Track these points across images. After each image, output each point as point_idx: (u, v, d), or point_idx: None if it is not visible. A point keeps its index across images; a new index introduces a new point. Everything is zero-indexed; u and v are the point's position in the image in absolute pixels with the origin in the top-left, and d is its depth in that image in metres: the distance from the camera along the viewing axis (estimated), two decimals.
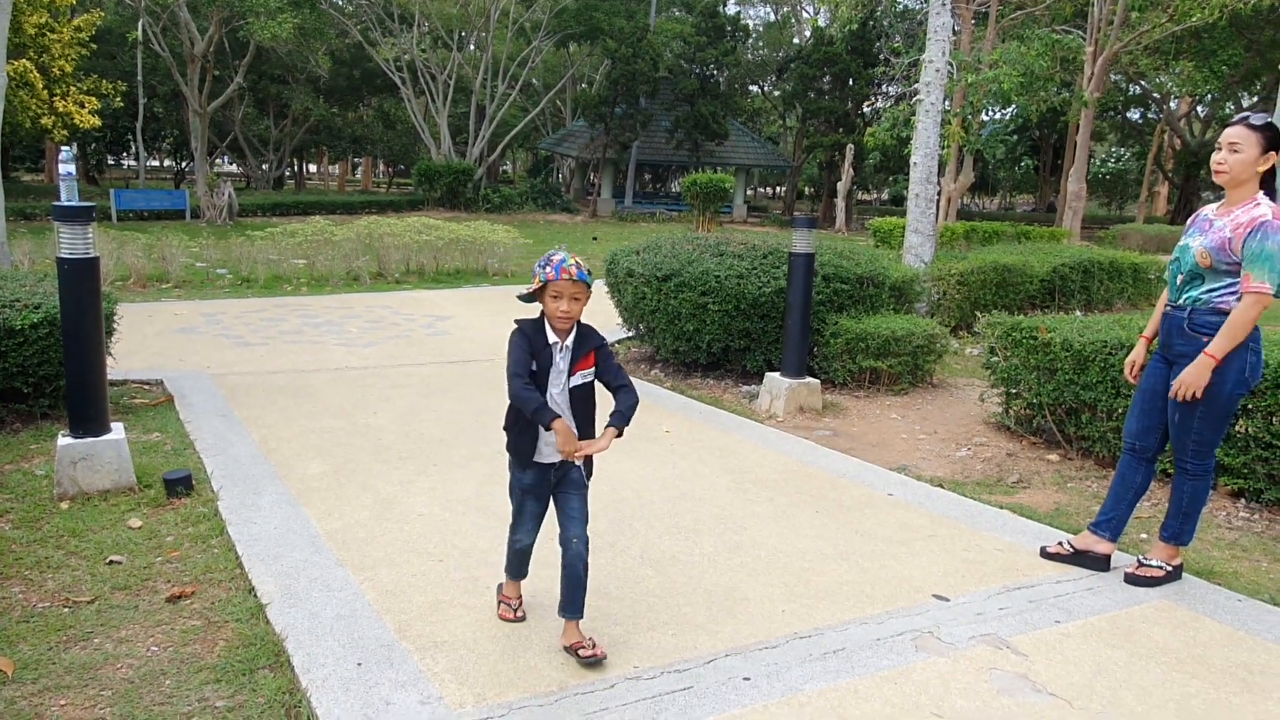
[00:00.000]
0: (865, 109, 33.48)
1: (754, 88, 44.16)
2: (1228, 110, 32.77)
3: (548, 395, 3.12)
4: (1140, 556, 4.16)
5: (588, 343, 3.18)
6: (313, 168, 52.65)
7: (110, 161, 43.54)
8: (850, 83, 32.37)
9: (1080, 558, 4.20)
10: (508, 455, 3.29)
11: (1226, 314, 3.73)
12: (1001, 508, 4.97)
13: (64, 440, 4.64)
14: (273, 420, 6.09)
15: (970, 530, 4.61)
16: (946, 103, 13.94)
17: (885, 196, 52.29)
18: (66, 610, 3.50)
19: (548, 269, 3.05)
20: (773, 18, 45.58)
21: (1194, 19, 16.97)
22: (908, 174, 10.81)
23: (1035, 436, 6.30)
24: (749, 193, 38.05)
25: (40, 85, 18.91)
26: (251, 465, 5.15)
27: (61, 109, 19.68)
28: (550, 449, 3.16)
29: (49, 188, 29.94)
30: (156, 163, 48.39)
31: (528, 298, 3.13)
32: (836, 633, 3.49)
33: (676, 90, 31.52)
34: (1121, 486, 4.19)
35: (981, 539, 4.50)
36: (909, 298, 8.73)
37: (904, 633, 3.51)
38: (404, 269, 14.10)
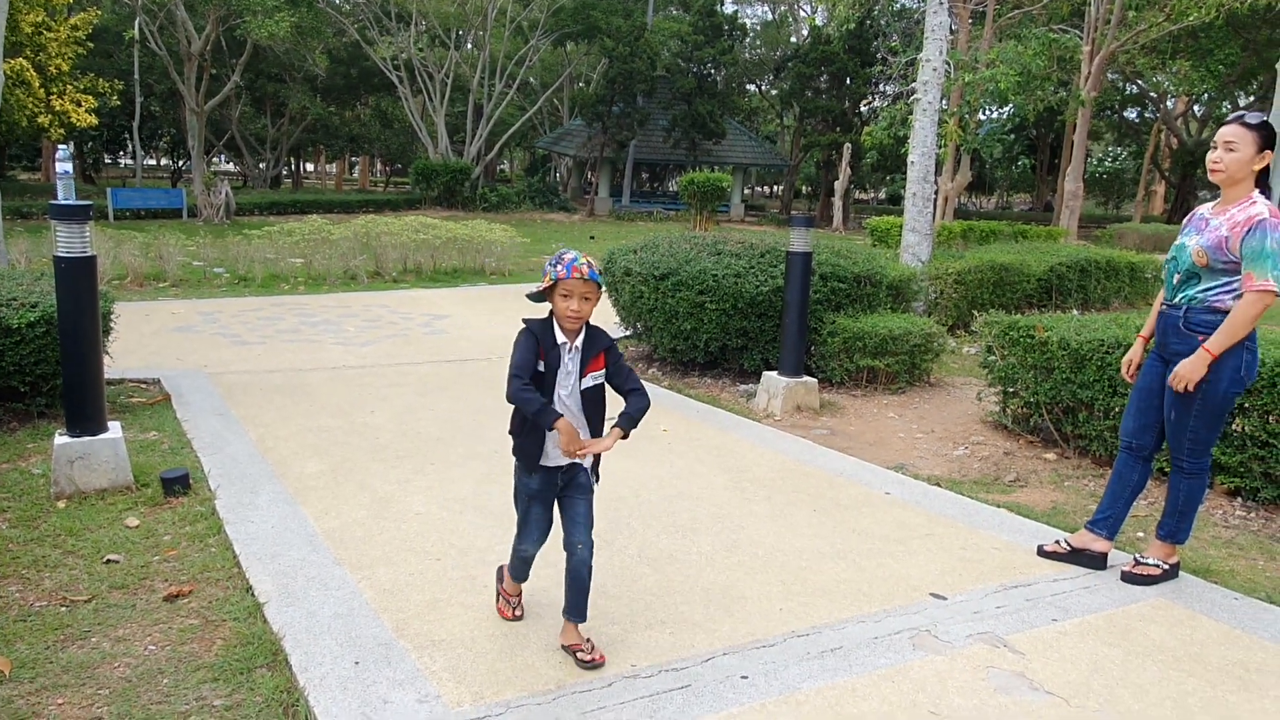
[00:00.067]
0: (862, 108, 33.48)
1: (751, 87, 44.19)
2: (1224, 109, 32.78)
3: (555, 397, 3.08)
4: (1137, 555, 4.17)
5: (597, 344, 3.13)
6: (310, 167, 52.64)
7: (107, 160, 43.53)
8: (848, 82, 32.38)
9: (1077, 556, 4.21)
10: (514, 460, 3.24)
11: (1222, 313, 3.74)
12: (999, 506, 4.98)
13: (61, 439, 4.64)
14: (270, 419, 6.09)
15: (967, 529, 4.62)
16: (944, 102, 13.95)
17: (883, 195, 52.36)
18: (64, 609, 3.50)
19: (559, 267, 3.00)
20: (770, 16, 45.61)
21: (1191, 18, 16.99)
22: (905, 173, 10.82)
23: (1032, 435, 6.31)
24: (746, 192, 38.09)
25: (37, 84, 18.88)
26: (249, 464, 5.15)
27: (58, 107, 19.65)
28: (557, 452, 3.11)
29: (46, 186, 29.90)
30: (153, 161, 48.35)
31: (537, 296, 3.09)
32: (834, 631, 3.49)
33: (674, 89, 31.52)
34: (1118, 485, 4.20)
35: (979, 538, 4.50)
36: (906, 297, 8.74)
37: (901, 631, 3.51)
38: (401, 268, 14.09)
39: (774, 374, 6.95)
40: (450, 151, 31.33)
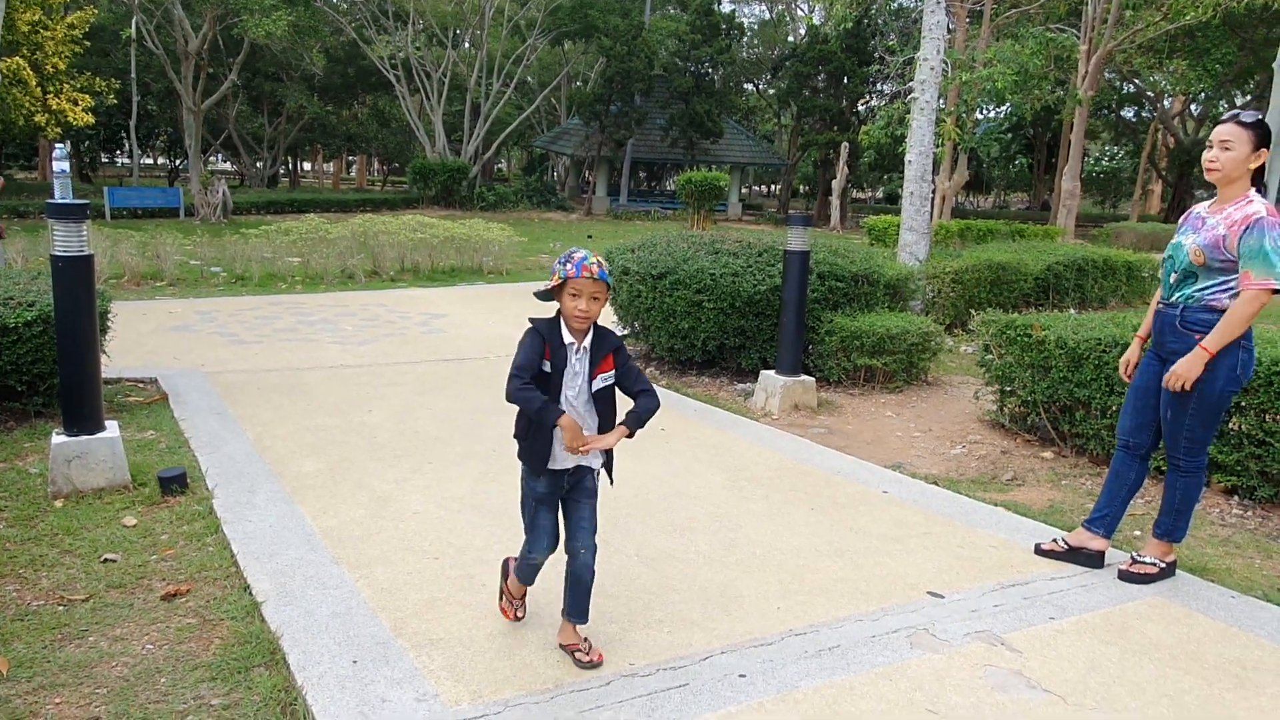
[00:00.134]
0: (860, 107, 33.50)
1: (749, 86, 44.19)
2: (1221, 108, 32.81)
3: (563, 399, 3.03)
4: (1134, 553, 4.18)
5: (606, 345, 3.08)
6: (307, 166, 52.60)
7: (104, 159, 43.48)
8: (845, 81, 32.39)
9: (1074, 555, 4.21)
10: (519, 463, 3.19)
11: (1219, 311, 3.74)
12: (996, 505, 4.98)
13: (58, 438, 4.63)
14: (267, 418, 6.08)
15: (965, 527, 4.62)
16: (941, 101, 13.96)
17: (880, 194, 52.39)
18: (61, 608, 3.50)
19: (568, 266, 2.96)
20: (767, 15, 45.62)
21: (1187, 17, 17.01)
22: (902, 172, 10.84)
23: (1030, 434, 6.32)
24: (744, 191, 38.14)
25: (34, 83, 18.86)
26: (246, 463, 5.14)
27: (55, 106, 19.63)
28: (564, 453, 3.08)
29: (43, 185, 29.87)
30: (150, 160, 48.30)
31: (545, 295, 3.04)
32: (832, 630, 3.50)
33: (671, 88, 31.51)
34: (1115, 483, 4.20)
35: (976, 536, 4.51)
36: (904, 296, 8.75)
37: (899, 629, 3.52)
38: (399, 267, 14.08)
39: (771, 373, 6.96)
40: (448, 150, 31.31)
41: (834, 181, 29.85)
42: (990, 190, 53.31)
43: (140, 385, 6.88)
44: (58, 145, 12.58)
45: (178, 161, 39.57)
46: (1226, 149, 3.74)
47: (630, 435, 3.03)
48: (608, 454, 3.19)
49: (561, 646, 3.23)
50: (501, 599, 3.47)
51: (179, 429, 5.78)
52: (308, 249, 13.59)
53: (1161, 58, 23.47)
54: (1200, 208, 3.97)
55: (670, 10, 37.69)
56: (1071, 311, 8.68)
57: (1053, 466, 5.78)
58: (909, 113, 10.91)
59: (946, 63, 13.08)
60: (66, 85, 20.23)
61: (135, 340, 8.39)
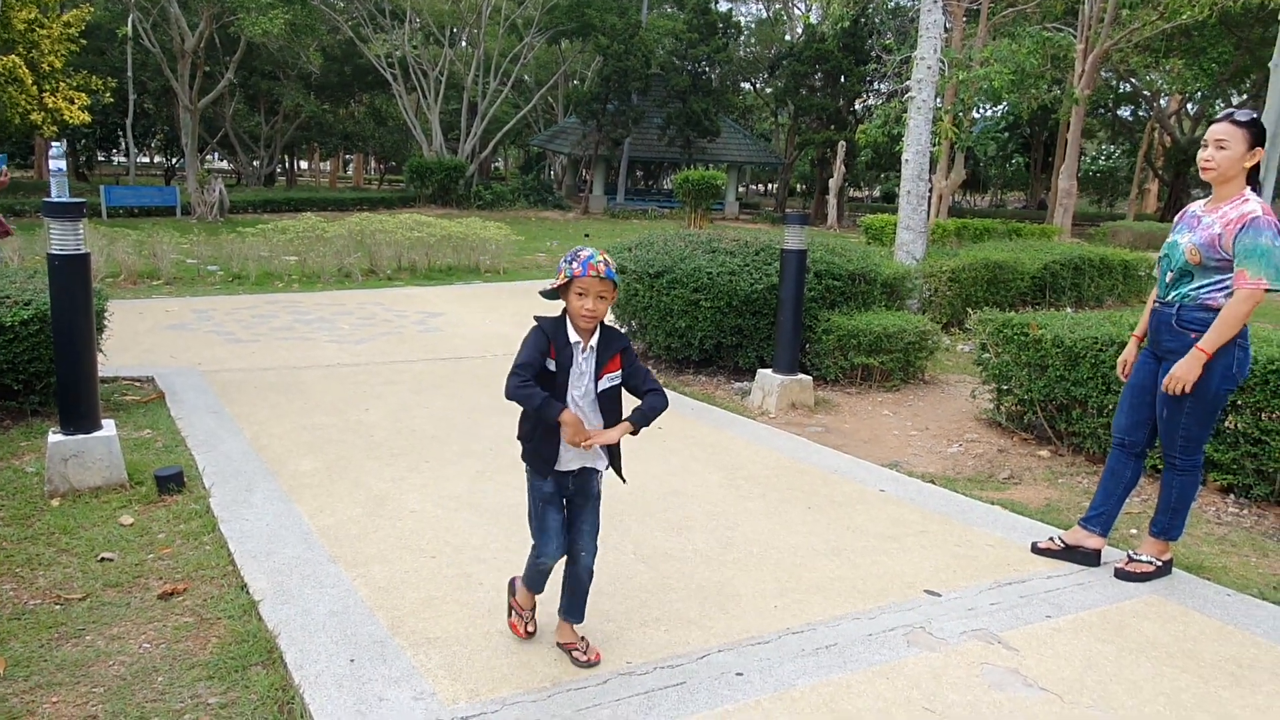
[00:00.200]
0: (857, 106, 33.51)
1: (746, 84, 44.17)
2: (1217, 107, 32.86)
3: (569, 399, 3.00)
4: (1130, 552, 4.19)
5: (613, 345, 3.05)
6: (304, 164, 52.53)
7: (100, 158, 43.37)
8: (842, 80, 32.39)
9: (1071, 553, 4.22)
10: (524, 465, 3.15)
11: (1215, 311, 3.75)
12: (993, 503, 4.99)
13: (55, 437, 4.63)
14: (264, 417, 6.08)
15: (962, 526, 4.63)
16: (938, 100, 13.96)
17: (877, 193, 52.37)
18: (58, 607, 3.50)
19: (574, 264, 2.92)
20: (764, 14, 45.60)
21: (1184, 17, 17.01)
22: (899, 171, 10.84)
23: (1026, 433, 6.33)
24: (741, 190, 38.14)
25: (30, 81, 18.80)
26: (243, 462, 5.14)
27: (51, 105, 19.57)
28: (571, 455, 3.05)
29: (39, 184, 29.80)
30: (147, 159, 48.20)
31: (551, 294, 3.01)
32: (829, 628, 3.50)
33: (668, 87, 31.50)
34: (1111, 481, 4.21)
35: (973, 535, 4.52)
36: (901, 294, 8.75)
37: (896, 628, 3.52)
38: (396, 266, 14.07)
39: (769, 372, 6.96)
40: (445, 149, 31.28)
41: (831, 180, 29.87)
42: (987, 189, 53.34)
43: (137, 384, 6.88)
44: (54, 144, 12.57)
45: (174, 160, 39.51)
46: (1221, 148, 3.74)
47: (634, 432, 2.99)
48: (615, 453, 3.15)
49: (559, 645, 3.23)
50: (511, 615, 3.37)
51: (176, 428, 5.78)
52: (304, 248, 13.58)
53: (1158, 57, 23.50)
54: (1196, 206, 3.97)
55: (667, 9, 37.67)
56: (1068, 310, 8.69)
57: (1049, 465, 5.79)
58: (906, 112, 10.93)
59: (943, 62, 13.09)
60: (63, 83, 20.17)
61: (132, 339, 8.38)
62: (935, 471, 5.63)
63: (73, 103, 19.98)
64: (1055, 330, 5.85)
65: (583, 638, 3.23)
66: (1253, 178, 3.80)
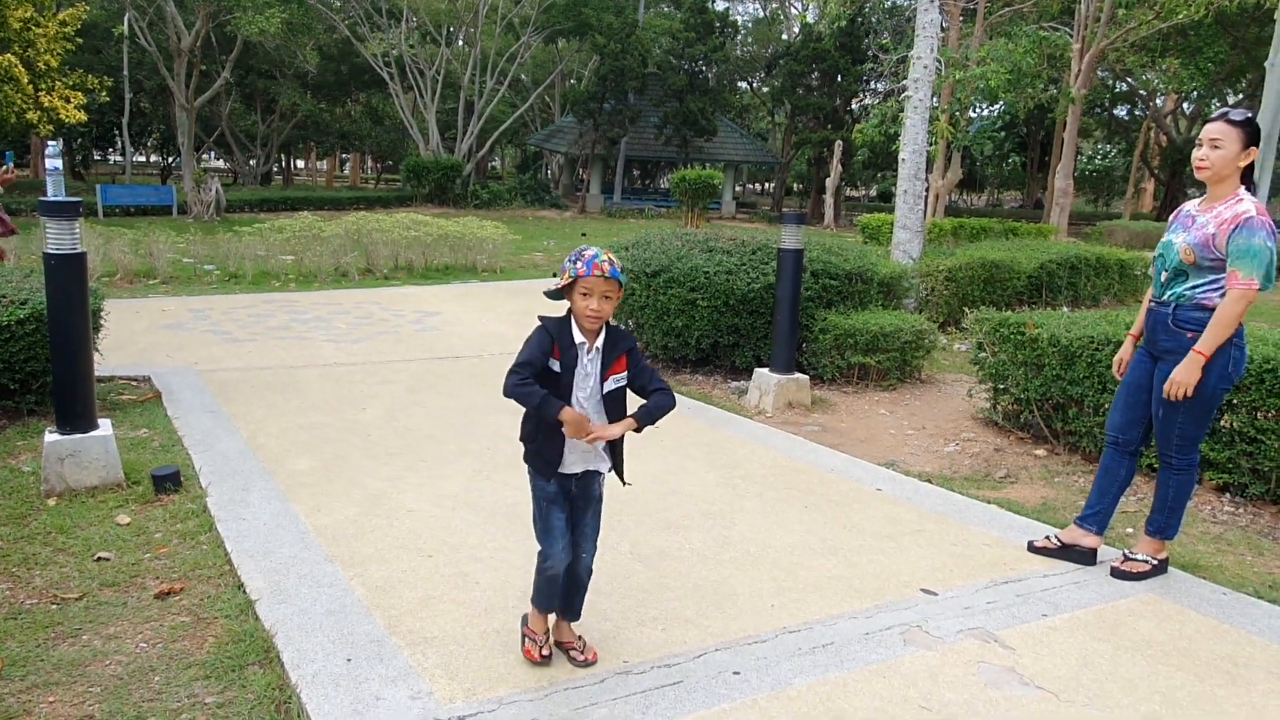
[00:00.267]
0: (854, 105, 33.54)
1: (743, 84, 44.19)
2: (1213, 107, 32.90)
3: (574, 400, 2.97)
4: (1126, 550, 4.19)
5: (619, 346, 3.00)
6: (300, 163, 52.44)
7: (96, 157, 43.30)
8: (839, 79, 32.42)
9: (1067, 552, 4.23)
10: (527, 466, 3.11)
11: (1210, 310, 3.76)
12: (989, 502, 5.00)
13: (51, 437, 4.62)
14: (261, 416, 6.07)
15: (958, 525, 4.63)
16: (935, 99, 13.98)
17: (874, 193, 52.41)
18: (54, 607, 3.49)
19: (579, 264, 2.88)
20: (761, 14, 45.59)
21: (1180, 16, 17.03)
22: (896, 170, 10.85)
23: (1023, 431, 6.34)
24: (738, 189, 38.16)
25: (25, 80, 18.76)
26: (240, 461, 5.14)
27: (47, 104, 19.54)
28: (574, 457, 3.03)
29: (35, 183, 29.74)
30: (143, 158, 48.10)
31: (555, 294, 2.97)
32: (825, 627, 3.50)
33: (665, 86, 31.51)
34: (1105, 480, 4.22)
35: (969, 534, 4.52)
36: (897, 294, 8.77)
37: (892, 627, 3.53)
38: (392, 265, 14.06)
39: (765, 371, 6.97)
40: (441, 148, 31.26)
41: (828, 180, 29.87)
42: (984, 188, 53.41)
43: (133, 383, 6.87)
44: (50, 143, 12.56)
45: (170, 159, 39.40)
46: (1216, 147, 3.75)
47: (638, 429, 2.97)
48: (617, 453, 3.13)
49: (556, 644, 3.23)
50: (524, 643, 3.21)
51: (172, 427, 5.77)
52: (301, 247, 13.56)
53: (1154, 56, 23.52)
54: (1190, 205, 3.98)
55: (664, 8, 37.68)
56: (1064, 309, 8.71)
57: (1045, 464, 5.80)
58: (902, 111, 10.94)
59: (940, 61, 13.10)
60: (59, 82, 20.13)
61: (128, 338, 8.37)
62: (932, 470, 5.64)
63: (69, 102, 19.95)
64: (1051, 329, 5.86)
65: (580, 637, 3.23)
66: (1247, 177, 3.81)
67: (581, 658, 3.15)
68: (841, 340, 7.40)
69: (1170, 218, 4.08)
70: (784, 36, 40.87)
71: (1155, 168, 36.09)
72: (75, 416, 4.66)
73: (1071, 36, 19.58)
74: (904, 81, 11.94)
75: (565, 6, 29.75)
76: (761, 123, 47.61)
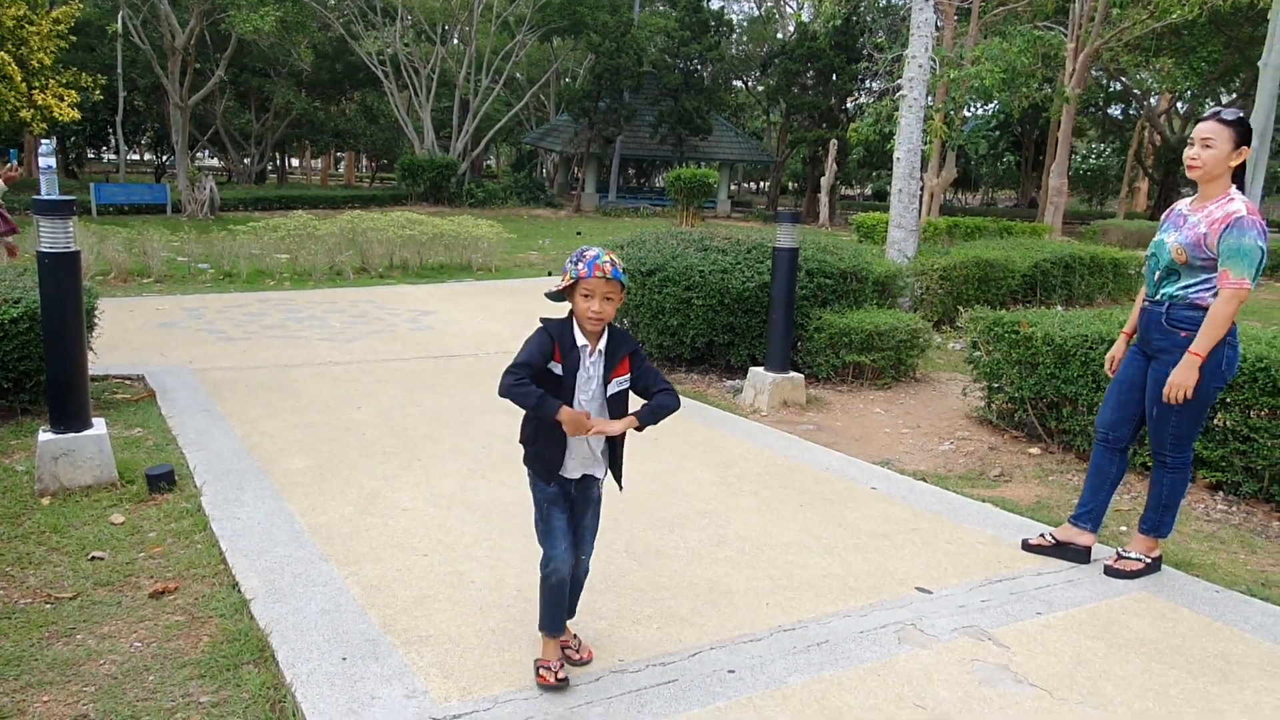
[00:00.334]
0: (849, 104, 33.54)
1: (738, 83, 44.17)
2: (1207, 106, 32.96)
3: (576, 402, 2.94)
4: (1120, 549, 4.21)
5: (621, 348, 2.97)
6: (295, 162, 52.32)
7: (90, 155, 43.15)
8: (834, 78, 32.41)
9: (1061, 550, 4.24)
10: (527, 470, 3.08)
11: (1203, 309, 3.77)
12: (983, 501, 5.01)
13: (45, 436, 4.61)
14: (255, 415, 6.07)
15: (952, 523, 4.64)
16: (929, 98, 13.99)
17: (869, 192, 52.47)
18: (48, 606, 3.49)
19: (580, 265, 2.84)
20: (757, 12, 45.61)
21: (1174, 16, 17.08)
22: (891, 169, 10.86)
23: (1017, 430, 6.35)
24: (733, 188, 38.10)
25: (19, 78, 18.71)
26: (234, 460, 5.13)
27: (40, 102, 19.48)
28: (575, 462, 3.01)
29: (28, 181, 29.65)
30: (137, 157, 47.96)
31: (556, 295, 2.92)
32: (820, 625, 3.51)
33: (660, 85, 31.48)
34: (1097, 477, 4.23)
35: (964, 532, 4.53)
36: (892, 293, 8.78)
37: (887, 625, 3.53)
38: (387, 264, 14.05)
39: (760, 370, 6.97)
40: (436, 147, 31.21)
41: (823, 178, 29.89)
42: (978, 187, 53.44)
43: (127, 382, 6.85)
44: (43, 141, 12.52)
45: (164, 158, 39.35)
46: (1208, 146, 3.76)
47: (640, 428, 2.94)
48: (617, 456, 3.11)
49: None
50: (538, 672, 3.06)
51: (166, 426, 5.76)
52: (296, 245, 13.54)
53: (1148, 56, 23.58)
54: (1182, 205, 3.99)
55: (659, 7, 37.65)
56: (1059, 308, 8.72)
57: (1040, 462, 5.81)
58: (897, 110, 10.94)
59: (934, 60, 13.12)
60: (52, 81, 20.08)
61: (122, 337, 8.35)
62: (926, 469, 5.65)
63: (62, 100, 19.90)
64: (1046, 328, 5.87)
65: (575, 635, 3.23)
66: (1239, 177, 3.82)
67: (576, 656, 3.15)
68: (836, 339, 7.41)
69: (1162, 217, 4.09)
70: (779, 35, 40.87)
71: (1149, 167, 36.18)
72: (69, 415, 4.65)
73: (1066, 36, 19.61)
74: (899, 80, 11.96)
75: (560, 5, 29.72)
76: (757, 121, 47.62)
